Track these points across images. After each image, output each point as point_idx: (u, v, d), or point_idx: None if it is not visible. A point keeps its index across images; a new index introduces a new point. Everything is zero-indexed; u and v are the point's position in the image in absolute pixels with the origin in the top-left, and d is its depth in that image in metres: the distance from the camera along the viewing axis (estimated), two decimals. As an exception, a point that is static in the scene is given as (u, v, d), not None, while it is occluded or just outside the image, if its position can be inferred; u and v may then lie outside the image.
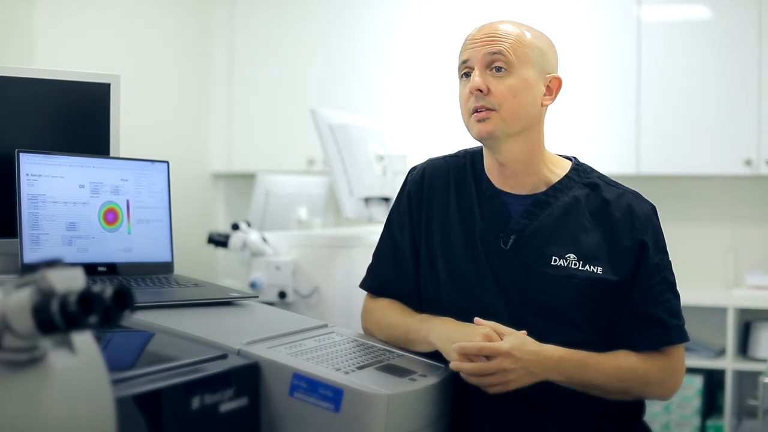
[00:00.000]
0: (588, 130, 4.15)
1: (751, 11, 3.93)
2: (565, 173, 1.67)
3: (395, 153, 3.27)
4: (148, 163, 1.85)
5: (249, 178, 4.38)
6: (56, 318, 0.91)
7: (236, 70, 4.80)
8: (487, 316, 1.54)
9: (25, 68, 1.82)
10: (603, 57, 4.16)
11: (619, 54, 4.13)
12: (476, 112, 1.59)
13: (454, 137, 4.26)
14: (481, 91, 1.57)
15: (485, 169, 1.69)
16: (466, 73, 1.62)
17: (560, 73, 1.65)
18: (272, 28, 4.72)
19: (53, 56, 3.75)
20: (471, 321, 1.55)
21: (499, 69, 1.58)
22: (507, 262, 1.61)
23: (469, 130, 1.63)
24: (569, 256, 1.59)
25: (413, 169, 1.77)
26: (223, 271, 4.54)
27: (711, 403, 4.06)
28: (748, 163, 3.92)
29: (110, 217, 1.77)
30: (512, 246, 1.61)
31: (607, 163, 3.81)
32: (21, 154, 1.67)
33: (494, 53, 1.58)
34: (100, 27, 4.08)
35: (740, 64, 3.95)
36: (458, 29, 4.32)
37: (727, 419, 3.81)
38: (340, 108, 3.76)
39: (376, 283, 1.75)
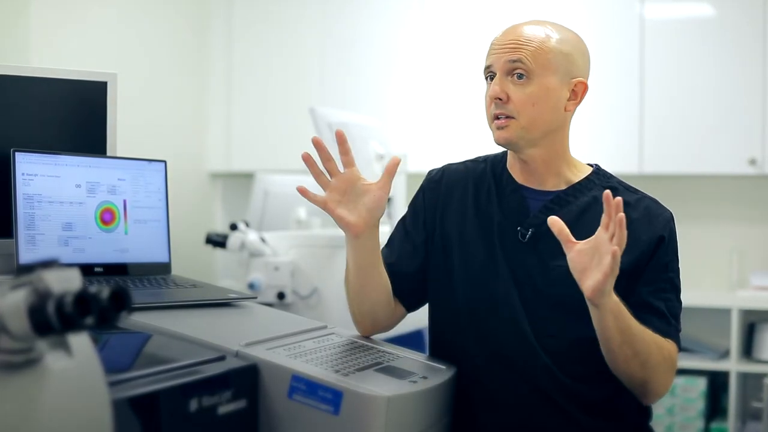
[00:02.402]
0: (590, 129, 4.12)
1: (755, 9, 3.92)
2: (585, 176, 1.68)
3: (395, 152, 3.25)
4: (146, 162, 1.84)
5: (247, 177, 4.37)
6: (52, 319, 0.90)
7: (234, 68, 4.79)
8: (502, 308, 1.56)
9: (21, 66, 1.81)
10: (606, 55, 4.14)
11: (621, 52, 4.12)
12: (497, 119, 1.60)
13: (455, 136, 4.28)
14: (500, 99, 1.59)
15: (507, 166, 1.70)
16: (490, 76, 1.64)
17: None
18: (271, 25, 4.70)
19: (49, 55, 3.74)
20: (485, 315, 1.58)
21: (520, 76, 1.59)
22: (523, 255, 1.62)
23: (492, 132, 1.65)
24: None
25: (432, 171, 1.78)
26: (221, 271, 4.53)
27: (715, 406, 4.05)
28: (753, 162, 3.91)
29: (107, 217, 1.76)
30: (530, 239, 1.61)
31: (609, 162, 3.74)
32: (16, 153, 1.66)
33: (514, 61, 1.59)
34: (96, 25, 4.07)
35: (744, 62, 3.94)
36: (459, 28, 4.32)
37: (731, 422, 3.80)
38: (339, 107, 3.74)
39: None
